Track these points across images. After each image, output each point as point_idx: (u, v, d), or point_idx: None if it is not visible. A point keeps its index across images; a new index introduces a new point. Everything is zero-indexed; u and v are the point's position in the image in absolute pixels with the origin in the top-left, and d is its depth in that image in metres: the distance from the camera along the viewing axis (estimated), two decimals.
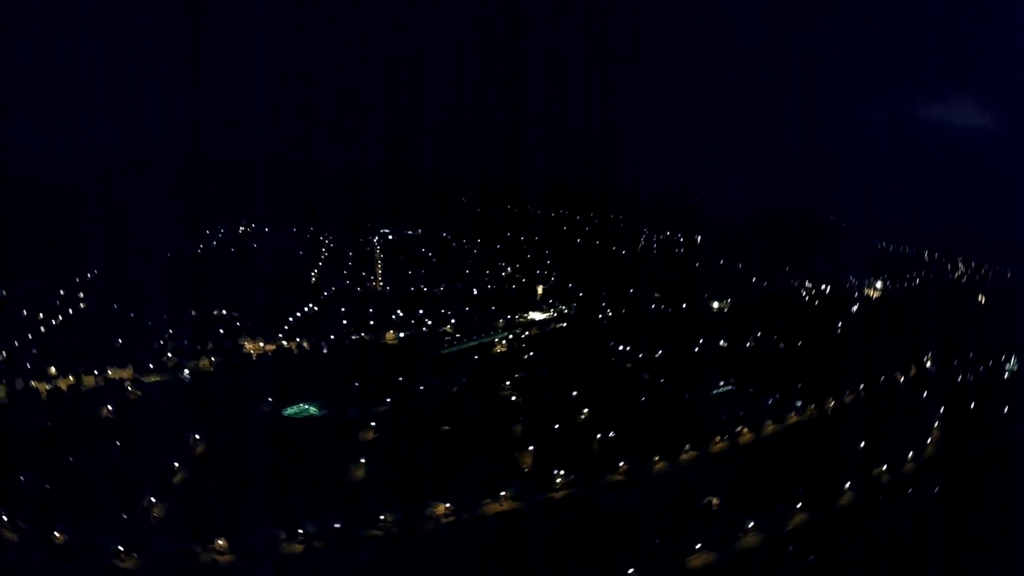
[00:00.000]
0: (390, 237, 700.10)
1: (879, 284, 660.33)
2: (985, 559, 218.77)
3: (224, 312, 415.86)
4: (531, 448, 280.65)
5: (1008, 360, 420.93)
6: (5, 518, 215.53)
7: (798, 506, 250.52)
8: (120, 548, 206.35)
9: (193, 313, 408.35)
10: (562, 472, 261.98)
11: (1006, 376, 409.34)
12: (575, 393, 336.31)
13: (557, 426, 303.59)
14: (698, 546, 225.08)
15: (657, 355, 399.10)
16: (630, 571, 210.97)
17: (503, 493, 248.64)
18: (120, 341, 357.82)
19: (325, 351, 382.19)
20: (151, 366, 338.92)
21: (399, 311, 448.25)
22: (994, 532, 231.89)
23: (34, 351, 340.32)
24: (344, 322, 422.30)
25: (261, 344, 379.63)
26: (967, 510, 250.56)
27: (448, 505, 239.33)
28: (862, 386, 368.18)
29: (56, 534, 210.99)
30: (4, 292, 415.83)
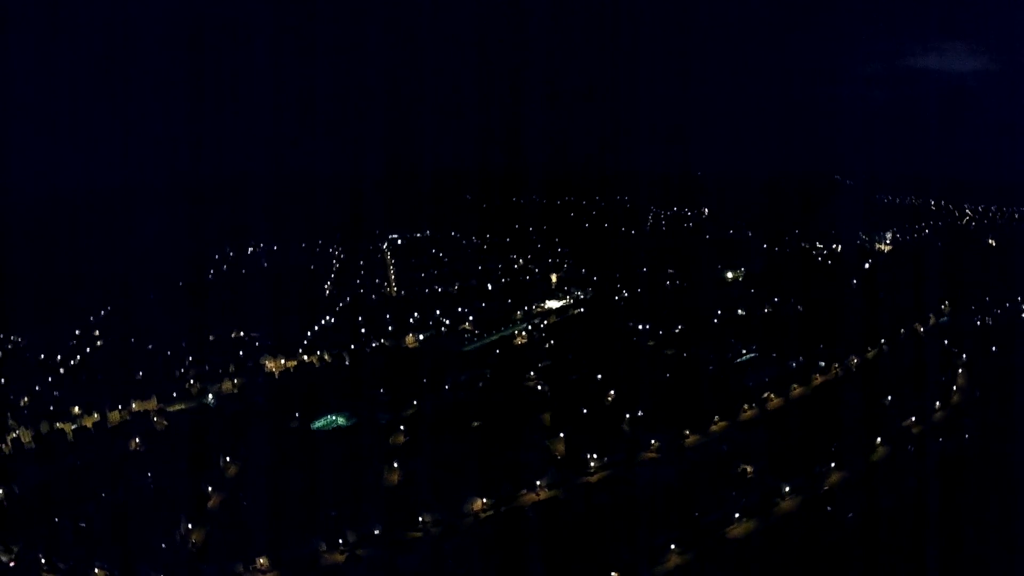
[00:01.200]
0: (399, 241, 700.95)
1: (889, 237, 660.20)
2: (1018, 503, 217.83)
3: (242, 333, 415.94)
4: (562, 435, 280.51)
5: None
6: (43, 559, 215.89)
7: (832, 465, 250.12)
8: None
9: (211, 338, 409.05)
10: (595, 456, 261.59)
11: None
12: (600, 376, 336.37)
13: (586, 410, 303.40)
14: (736, 515, 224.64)
15: (677, 330, 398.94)
16: (672, 547, 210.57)
17: (539, 482, 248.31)
18: (141, 374, 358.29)
19: (347, 361, 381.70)
20: (175, 395, 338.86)
21: (416, 313, 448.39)
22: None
23: (56, 393, 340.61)
24: (363, 330, 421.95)
25: (282, 361, 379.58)
26: (997, 453, 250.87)
27: (485, 500, 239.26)
28: (883, 340, 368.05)
29: (96, 570, 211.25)
30: (20, 339, 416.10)
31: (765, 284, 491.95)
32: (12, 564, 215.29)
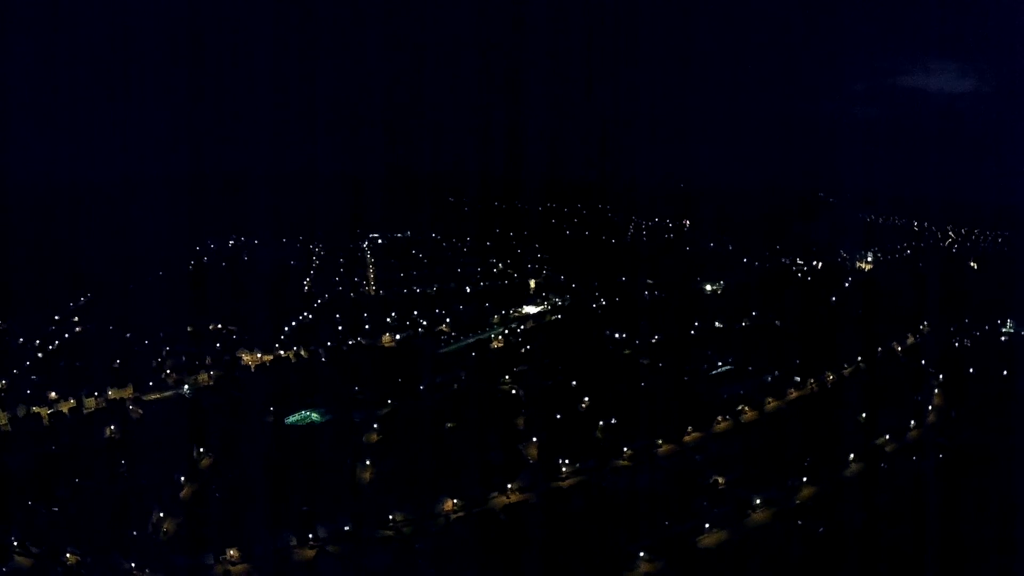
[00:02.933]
0: (380, 241, 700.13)
1: (870, 257, 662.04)
2: (989, 523, 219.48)
3: (220, 326, 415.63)
4: (535, 439, 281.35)
5: (1004, 323, 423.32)
6: (16, 543, 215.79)
7: (804, 480, 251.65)
8: (132, 565, 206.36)
9: (189, 329, 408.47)
10: (567, 461, 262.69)
11: (1003, 339, 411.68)
12: (575, 383, 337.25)
13: (560, 416, 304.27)
14: (707, 525, 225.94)
15: (654, 340, 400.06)
16: (641, 554, 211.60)
17: (510, 485, 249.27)
18: (119, 362, 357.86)
19: (323, 358, 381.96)
20: (151, 384, 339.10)
21: (394, 313, 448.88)
22: (997, 497, 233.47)
23: (33, 377, 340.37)
24: (340, 328, 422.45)
25: (259, 355, 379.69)
26: (970, 474, 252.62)
27: (456, 501, 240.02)
28: (859, 358, 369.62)
29: (68, 556, 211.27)
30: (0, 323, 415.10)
31: (744, 298, 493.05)
32: None
